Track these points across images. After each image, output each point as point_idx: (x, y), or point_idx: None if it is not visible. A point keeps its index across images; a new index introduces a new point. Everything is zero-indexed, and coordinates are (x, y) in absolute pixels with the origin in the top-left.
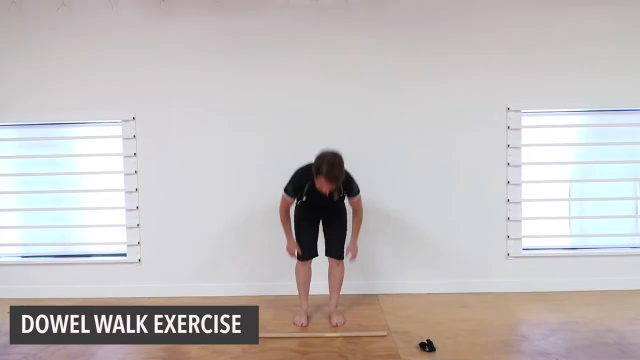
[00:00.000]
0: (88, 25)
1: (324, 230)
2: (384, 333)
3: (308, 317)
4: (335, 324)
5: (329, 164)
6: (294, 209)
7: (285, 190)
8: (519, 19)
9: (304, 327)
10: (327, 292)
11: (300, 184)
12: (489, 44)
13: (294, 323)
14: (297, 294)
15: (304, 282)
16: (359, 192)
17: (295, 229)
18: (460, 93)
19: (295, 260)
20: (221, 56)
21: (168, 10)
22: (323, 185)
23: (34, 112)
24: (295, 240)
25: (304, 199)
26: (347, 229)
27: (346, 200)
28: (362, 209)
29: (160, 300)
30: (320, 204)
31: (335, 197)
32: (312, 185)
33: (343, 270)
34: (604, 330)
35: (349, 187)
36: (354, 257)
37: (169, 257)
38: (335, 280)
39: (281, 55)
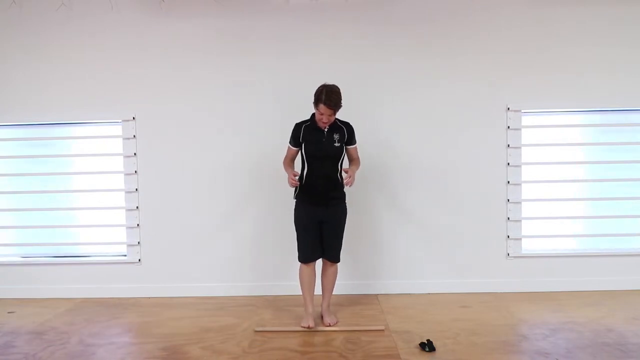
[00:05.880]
0: (88, 25)
1: (322, 233)
2: (382, 327)
3: (314, 319)
4: (327, 324)
5: (327, 90)
6: (293, 209)
7: (289, 142)
8: (519, 19)
9: (310, 329)
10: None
11: (298, 130)
12: (489, 44)
13: (301, 326)
14: (299, 294)
15: (308, 284)
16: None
17: (297, 232)
18: (460, 93)
19: (297, 254)
20: (221, 56)
21: (168, 10)
22: (323, 114)
23: (34, 112)
24: (294, 172)
25: (304, 145)
26: (344, 235)
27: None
28: (359, 158)
29: (160, 300)
30: (321, 152)
31: (337, 142)
32: (309, 125)
33: (336, 271)
34: (604, 330)
35: (352, 134)
36: (350, 180)
37: (169, 257)
38: (328, 281)
39: (281, 56)
